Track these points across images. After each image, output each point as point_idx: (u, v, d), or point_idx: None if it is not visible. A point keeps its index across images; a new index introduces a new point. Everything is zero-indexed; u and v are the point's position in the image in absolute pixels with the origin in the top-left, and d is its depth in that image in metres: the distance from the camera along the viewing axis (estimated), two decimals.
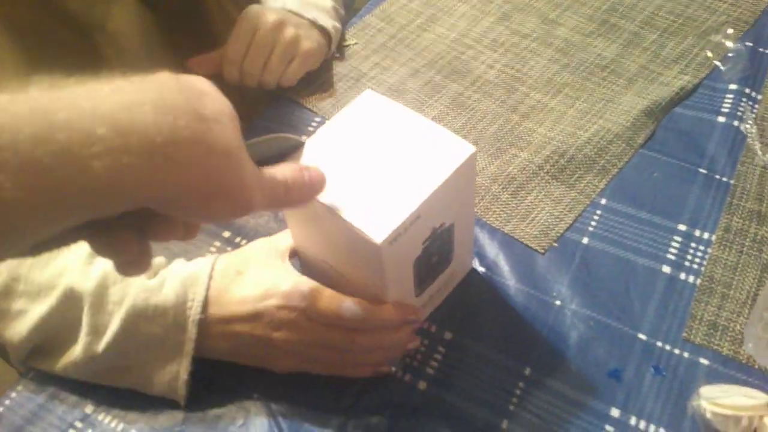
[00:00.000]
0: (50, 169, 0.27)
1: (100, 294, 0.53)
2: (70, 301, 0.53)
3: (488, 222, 0.66)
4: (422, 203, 0.48)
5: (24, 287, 0.54)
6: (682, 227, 0.65)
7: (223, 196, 0.35)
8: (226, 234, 0.67)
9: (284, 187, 0.42)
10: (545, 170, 0.70)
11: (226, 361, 0.56)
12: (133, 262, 0.37)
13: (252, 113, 0.78)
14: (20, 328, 0.54)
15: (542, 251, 0.64)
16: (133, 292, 0.53)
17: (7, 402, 0.57)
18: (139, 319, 0.53)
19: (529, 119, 0.75)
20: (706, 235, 0.64)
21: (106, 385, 0.56)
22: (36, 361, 0.56)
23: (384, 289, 0.51)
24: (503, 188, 0.69)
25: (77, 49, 0.69)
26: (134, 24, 0.75)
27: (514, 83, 0.79)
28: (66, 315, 0.54)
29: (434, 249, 0.53)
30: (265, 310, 0.52)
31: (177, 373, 0.53)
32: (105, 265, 0.54)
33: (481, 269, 0.63)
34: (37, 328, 0.54)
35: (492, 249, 0.64)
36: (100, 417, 0.55)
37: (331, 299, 0.52)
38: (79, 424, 0.55)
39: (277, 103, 0.79)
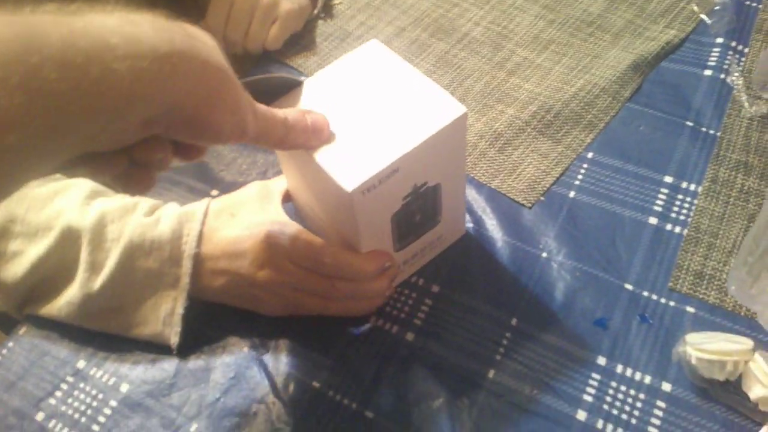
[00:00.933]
0: (83, 68, 0.30)
1: (98, 231, 0.54)
2: (68, 239, 0.54)
3: (475, 177, 0.66)
4: (401, 157, 0.48)
5: (21, 228, 0.55)
6: (668, 179, 0.65)
7: (220, 111, 0.38)
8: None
9: (283, 125, 0.45)
10: (532, 126, 0.70)
11: (217, 315, 0.57)
12: (128, 177, 0.40)
13: (238, 73, 0.78)
14: (16, 269, 0.55)
15: (529, 205, 0.64)
16: (129, 228, 0.54)
17: None
18: (135, 253, 0.54)
19: (516, 75, 0.75)
20: (692, 187, 0.64)
21: (98, 340, 0.57)
22: (31, 305, 0.57)
23: (358, 239, 0.52)
24: (490, 144, 0.69)
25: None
26: None
27: (500, 40, 0.79)
28: (64, 254, 0.54)
29: (416, 207, 0.53)
30: (250, 247, 0.53)
31: (172, 309, 0.54)
32: (103, 205, 0.55)
33: (468, 224, 0.63)
34: (33, 269, 0.54)
35: (479, 204, 0.64)
36: (92, 372, 0.56)
37: (311, 244, 0.53)
38: (70, 379, 0.55)
39: (262, 63, 0.79)
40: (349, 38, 0.81)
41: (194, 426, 0.53)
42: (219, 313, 0.57)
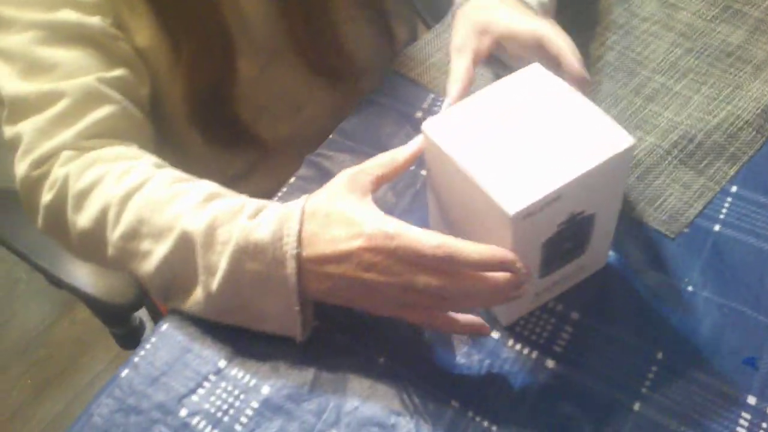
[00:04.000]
0: None
1: (210, 234, 0.55)
2: (185, 243, 0.56)
3: None
4: (565, 185, 0.47)
5: (147, 229, 0.57)
6: None
7: None
8: None
9: None
10: (673, 155, 0.68)
11: (348, 324, 0.57)
12: None
13: (368, 89, 0.79)
14: (149, 266, 0.57)
15: (672, 236, 0.62)
16: (236, 232, 0.54)
17: (142, 353, 0.58)
18: (242, 257, 0.54)
19: (654, 103, 0.73)
20: None
21: (238, 342, 0.58)
22: (170, 299, 0.59)
23: None
24: (630, 171, 0.67)
25: (206, 18, 0.71)
26: (262, 6, 0.76)
27: (635, 66, 0.78)
28: (183, 257, 0.56)
29: (569, 234, 0.53)
30: (352, 251, 0.52)
31: (286, 307, 0.55)
32: (215, 208, 0.56)
33: (610, 252, 0.62)
34: (160, 269, 0.57)
35: (619, 232, 0.63)
36: (233, 372, 0.57)
37: (415, 240, 0.50)
38: (213, 377, 0.57)
39: (392, 80, 0.79)
40: None
41: None
42: (346, 320, 0.57)
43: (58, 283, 0.88)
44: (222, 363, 0.57)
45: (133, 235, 0.57)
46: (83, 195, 0.60)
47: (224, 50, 0.74)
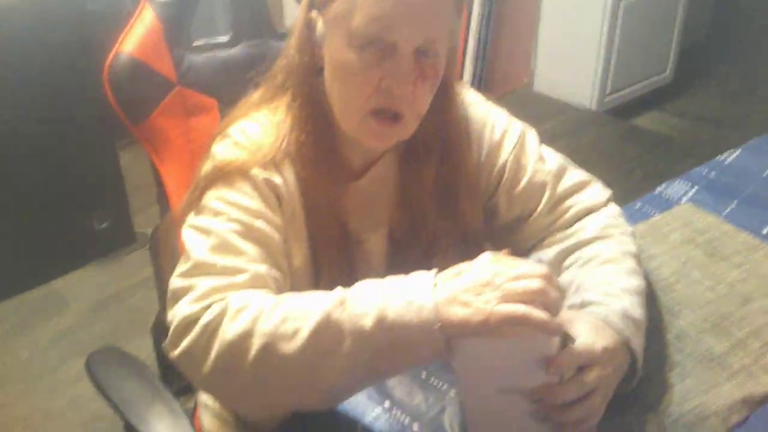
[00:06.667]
0: None
1: (355, 295, 0.77)
2: (336, 305, 0.75)
3: None
4: None
5: (297, 314, 0.76)
6: None
7: None
8: None
9: None
10: None
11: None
12: None
13: None
14: (297, 342, 0.74)
15: None
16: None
17: None
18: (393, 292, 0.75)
19: None
20: None
21: None
22: (319, 370, 0.75)
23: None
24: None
25: (340, 252, 0.96)
26: (383, 248, 1.01)
27: None
28: (333, 319, 0.74)
29: None
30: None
31: (431, 331, 0.72)
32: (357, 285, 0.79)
33: None
34: (313, 333, 0.74)
35: None
36: None
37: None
38: None
39: None
40: None
41: None
42: None
43: None
44: None
45: (284, 319, 0.74)
46: (240, 310, 0.76)
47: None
